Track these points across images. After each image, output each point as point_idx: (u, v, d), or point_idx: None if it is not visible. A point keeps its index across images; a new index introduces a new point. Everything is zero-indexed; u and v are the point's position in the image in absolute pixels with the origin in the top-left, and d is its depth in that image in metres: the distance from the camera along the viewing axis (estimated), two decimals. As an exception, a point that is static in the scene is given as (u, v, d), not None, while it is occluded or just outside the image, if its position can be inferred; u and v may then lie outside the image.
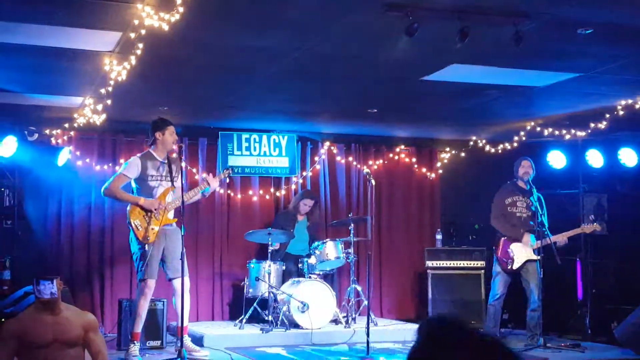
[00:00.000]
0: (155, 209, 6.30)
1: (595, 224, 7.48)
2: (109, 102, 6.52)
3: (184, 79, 6.55)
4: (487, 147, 9.33)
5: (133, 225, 6.31)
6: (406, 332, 7.90)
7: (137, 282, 6.44)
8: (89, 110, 6.92)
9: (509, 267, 7.44)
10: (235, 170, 7.14)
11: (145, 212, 6.32)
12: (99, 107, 6.69)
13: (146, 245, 6.28)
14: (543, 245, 7.24)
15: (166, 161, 6.32)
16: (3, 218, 7.35)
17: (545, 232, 7.18)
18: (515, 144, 8.95)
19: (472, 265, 8.81)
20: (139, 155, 6.59)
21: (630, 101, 7.22)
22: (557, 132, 8.32)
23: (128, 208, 6.40)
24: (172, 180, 6.28)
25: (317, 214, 8.81)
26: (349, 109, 7.91)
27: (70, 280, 7.63)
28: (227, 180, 7.48)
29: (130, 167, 6.43)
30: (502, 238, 7.55)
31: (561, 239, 7.36)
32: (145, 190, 6.42)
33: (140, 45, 5.02)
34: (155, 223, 6.33)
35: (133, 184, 6.47)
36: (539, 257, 7.32)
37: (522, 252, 7.42)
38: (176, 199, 6.38)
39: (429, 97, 7.26)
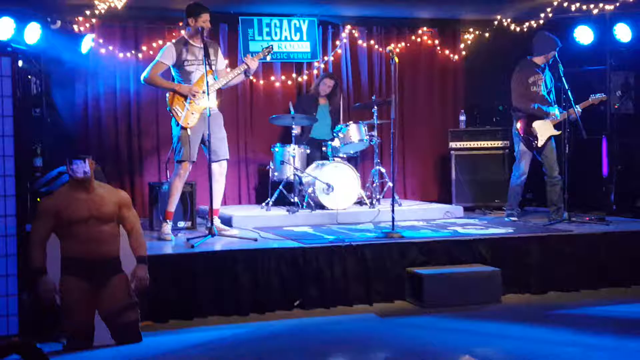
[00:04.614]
0: (192, 94, 6.38)
1: (599, 95, 7.48)
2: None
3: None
4: (512, 27, 9.15)
5: (173, 110, 6.44)
6: (430, 212, 8.05)
7: (176, 164, 6.58)
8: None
9: (535, 145, 7.46)
10: (272, 50, 7.04)
11: (184, 97, 6.41)
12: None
13: (186, 130, 6.40)
14: (569, 120, 7.29)
15: (201, 45, 6.32)
16: (31, 106, 7.40)
17: (572, 104, 7.21)
18: (541, 22, 8.77)
19: (495, 145, 8.84)
20: (173, 41, 6.62)
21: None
22: (584, 7, 8.11)
23: (167, 94, 6.50)
24: (209, 64, 6.30)
25: (339, 97, 8.80)
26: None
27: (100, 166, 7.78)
28: (268, 59, 7.35)
29: (165, 54, 6.47)
30: (522, 117, 7.53)
31: (573, 113, 7.35)
32: (183, 76, 6.50)
33: None
34: (195, 108, 6.43)
35: (172, 71, 6.54)
36: (559, 132, 7.38)
37: (545, 129, 7.43)
38: (216, 82, 6.44)
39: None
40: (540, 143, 7.43)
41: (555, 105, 7.50)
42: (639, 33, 8.06)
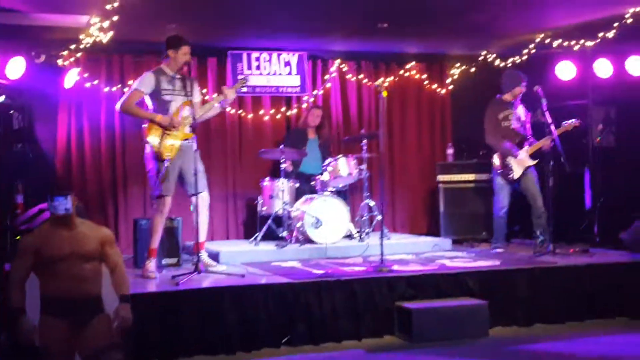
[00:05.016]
0: (172, 126, 6.31)
1: (573, 121, 7.54)
2: (115, 18, 6.43)
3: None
4: (497, 62, 9.24)
5: (150, 142, 6.31)
6: (419, 245, 8.00)
7: (154, 199, 6.48)
8: (96, 29, 6.85)
9: (511, 177, 7.68)
10: (248, 82, 7.05)
11: (162, 128, 6.32)
12: (106, 24, 6.61)
13: (164, 162, 6.29)
14: (552, 153, 7.35)
15: (179, 76, 6.29)
16: (13, 141, 7.28)
17: (557, 142, 7.27)
18: (524, 57, 8.86)
19: (482, 178, 8.83)
20: (152, 70, 6.57)
21: (638, 8, 7.13)
22: (565, 43, 8.24)
23: (144, 125, 6.40)
24: (187, 95, 6.25)
25: (328, 130, 8.80)
26: (359, 23, 7.78)
27: (83, 202, 7.67)
28: (244, 89, 7.47)
29: (143, 81, 6.40)
30: (496, 153, 7.77)
31: (547, 142, 7.47)
32: (160, 106, 6.40)
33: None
34: (173, 139, 6.34)
35: (148, 101, 6.45)
36: (536, 161, 7.58)
37: (519, 161, 7.67)
38: (193, 114, 6.35)
39: (439, 9, 7.20)
40: (516, 175, 7.65)
41: (526, 146, 7.68)
42: (619, 68, 8.16)
